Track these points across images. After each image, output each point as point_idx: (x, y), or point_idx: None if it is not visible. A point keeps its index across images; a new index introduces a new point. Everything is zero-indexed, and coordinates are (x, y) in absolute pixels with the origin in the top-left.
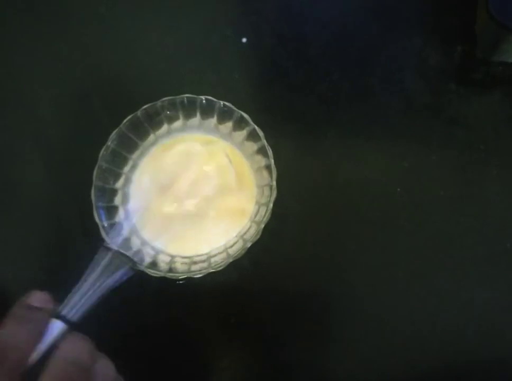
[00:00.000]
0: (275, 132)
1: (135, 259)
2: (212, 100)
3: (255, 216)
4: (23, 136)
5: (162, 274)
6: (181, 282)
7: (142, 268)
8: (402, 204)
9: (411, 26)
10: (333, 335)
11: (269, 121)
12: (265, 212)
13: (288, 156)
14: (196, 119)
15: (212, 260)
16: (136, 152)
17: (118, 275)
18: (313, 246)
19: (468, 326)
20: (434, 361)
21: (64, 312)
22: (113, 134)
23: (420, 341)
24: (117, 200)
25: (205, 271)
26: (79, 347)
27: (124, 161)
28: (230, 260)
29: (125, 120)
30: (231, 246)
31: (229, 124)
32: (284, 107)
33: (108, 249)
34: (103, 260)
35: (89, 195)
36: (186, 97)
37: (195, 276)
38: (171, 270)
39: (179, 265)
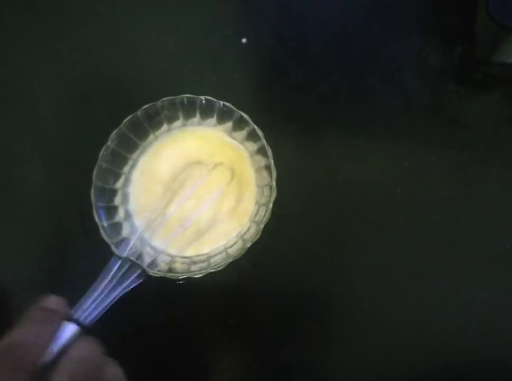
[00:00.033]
0: (275, 132)
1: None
2: (212, 100)
3: (255, 216)
4: (23, 136)
5: (161, 274)
6: (180, 282)
7: (152, 274)
8: (402, 204)
9: (411, 26)
10: (333, 335)
11: (269, 121)
12: (265, 213)
13: (288, 156)
14: (196, 119)
15: (212, 260)
16: (136, 152)
17: (129, 282)
18: (313, 246)
19: (468, 326)
20: (434, 361)
21: (76, 315)
22: (113, 134)
23: (420, 341)
24: (117, 200)
25: (205, 271)
26: (90, 348)
27: (124, 161)
28: (230, 260)
29: (125, 120)
30: (231, 246)
31: (229, 124)
32: (284, 107)
33: (119, 257)
34: (114, 267)
35: (89, 195)
36: (186, 97)
37: (195, 276)
38: (170, 270)
39: (179, 265)
